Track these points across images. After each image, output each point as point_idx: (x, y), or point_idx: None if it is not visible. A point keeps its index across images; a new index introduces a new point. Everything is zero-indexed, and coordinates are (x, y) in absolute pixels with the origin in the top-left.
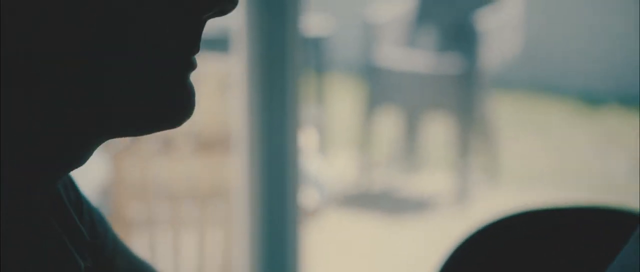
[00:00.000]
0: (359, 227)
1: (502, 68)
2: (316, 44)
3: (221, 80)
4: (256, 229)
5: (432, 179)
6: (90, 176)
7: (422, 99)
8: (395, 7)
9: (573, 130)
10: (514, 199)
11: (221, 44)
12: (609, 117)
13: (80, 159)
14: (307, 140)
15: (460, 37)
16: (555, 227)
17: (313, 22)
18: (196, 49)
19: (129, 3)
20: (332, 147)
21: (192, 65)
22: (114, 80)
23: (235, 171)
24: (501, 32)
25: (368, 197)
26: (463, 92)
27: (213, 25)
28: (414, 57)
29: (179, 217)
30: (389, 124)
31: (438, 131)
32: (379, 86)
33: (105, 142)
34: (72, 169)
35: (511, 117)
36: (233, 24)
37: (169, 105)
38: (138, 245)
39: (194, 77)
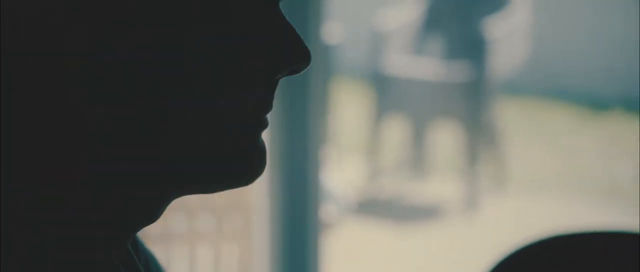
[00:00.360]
0: (368, 234)
1: (508, 75)
2: (324, 51)
3: None
4: (276, 243)
5: (440, 186)
6: None
7: (430, 107)
8: (403, 15)
9: (578, 135)
10: (522, 206)
11: None
12: (614, 122)
13: (152, 217)
14: (323, 151)
15: (468, 44)
16: (584, 252)
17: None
18: (269, 108)
19: (203, 69)
20: (340, 154)
21: (263, 124)
22: (187, 142)
23: (256, 185)
24: (509, 39)
25: (376, 204)
26: (471, 100)
27: None
28: (422, 65)
29: (195, 231)
30: (396, 132)
31: (446, 138)
32: (387, 93)
33: None
34: (144, 226)
35: (517, 123)
36: None
37: (241, 165)
38: None
39: None
